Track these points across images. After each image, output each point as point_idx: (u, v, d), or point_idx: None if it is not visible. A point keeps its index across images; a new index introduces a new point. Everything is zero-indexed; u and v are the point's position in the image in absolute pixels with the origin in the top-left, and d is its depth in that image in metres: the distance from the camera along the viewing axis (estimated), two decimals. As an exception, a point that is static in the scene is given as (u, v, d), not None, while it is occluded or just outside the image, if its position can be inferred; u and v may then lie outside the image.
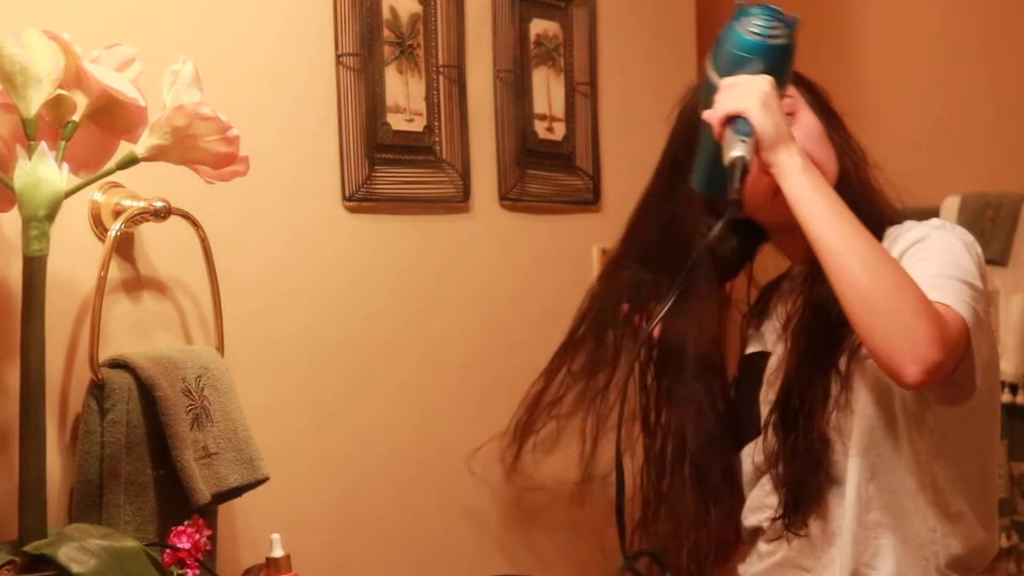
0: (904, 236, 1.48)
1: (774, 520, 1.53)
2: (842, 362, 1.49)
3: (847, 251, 1.33)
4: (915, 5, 2.62)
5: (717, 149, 1.38)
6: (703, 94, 1.44)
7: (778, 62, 1.39)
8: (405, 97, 1.91)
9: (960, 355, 1.37)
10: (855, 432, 1.47)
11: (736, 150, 1.35)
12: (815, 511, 1.51)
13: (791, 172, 1.36)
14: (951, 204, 2.50)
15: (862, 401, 1.48)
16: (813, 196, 1.35)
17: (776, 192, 1.42)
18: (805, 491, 1.50)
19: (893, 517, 1.48)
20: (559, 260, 2.22)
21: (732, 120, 1.36)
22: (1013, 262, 2.43)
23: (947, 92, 2.62)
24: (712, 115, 1.38)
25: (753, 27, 1.38)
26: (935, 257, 1.42)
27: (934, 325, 1.30)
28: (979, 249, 1.48)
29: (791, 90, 1.51)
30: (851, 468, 1.48)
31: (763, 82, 1.36)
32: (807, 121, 1.53)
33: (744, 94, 1.35)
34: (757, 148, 1.35)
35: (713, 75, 1.42)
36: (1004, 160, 2.52)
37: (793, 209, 1.36)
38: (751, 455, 1.57)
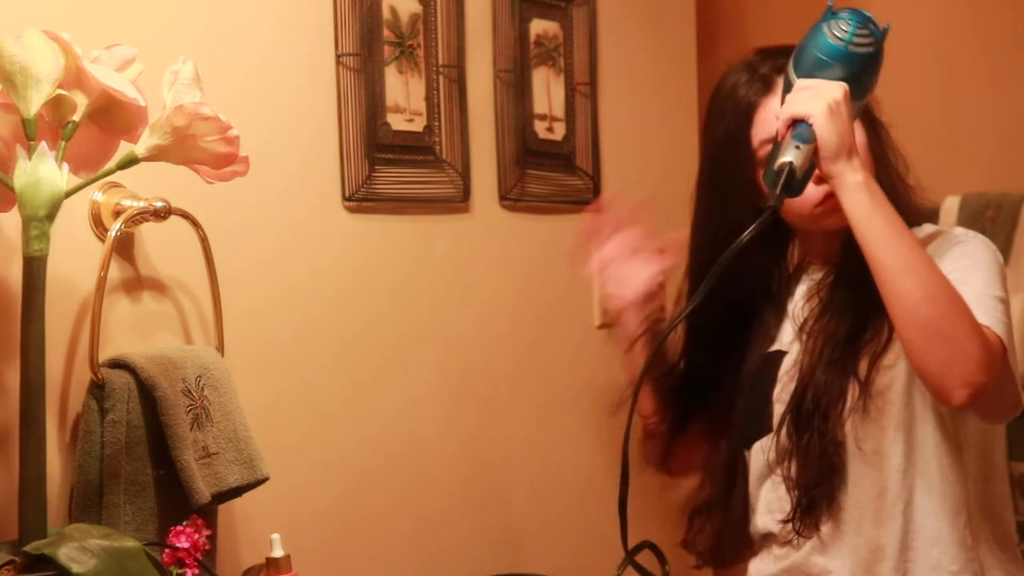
0: (944, 237, 1.48)
1: (785, 522, 1.52)
2: (862, 368, 1.47)
3: (906, 274, 1.32)
4: (915, 6, 2.62)
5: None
6: (783, 90, 1.41)
7: (861, 71, 1.36)
8: (405, 97, 1.91)
9: (999, 375, 1.36)
10: (870, 437, 1.47)
11: (788, 155, 1.32)
12: (827, 513, 1.50)
13: (851, 187, 1.33)
14: (951, 204, 2.50)
15: (881, 408, 1.47)
16: (873, 214, 1.33)
17: (821, 201, 1.42)
18: (817, 493, 1.49)
19: (907, 520, 1.48)
20: (559, 260, 2.22)
21: (796, 124, 1.33)
22: (1013, 262, 2.43)
23: (947, 92, 2.62)
24: (779, 114, 1.35)
25: (839, 31, 1.35)
26: (978, 271, 1.41)
27: (984, 349, 1.31)
28: (1001, 257, 1.49)
29: None
30: (866, 471, 1.48)
31: (836, 89, 1.33)
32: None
33: (813, 99, 1.32)
34: (817, 157, 1.33)
35: (792, 73, 1.39)
36: (1004, 160, 2.52)
37: (852, 225, 1.34)
38: (764, 451, 1.56)
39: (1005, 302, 1.40)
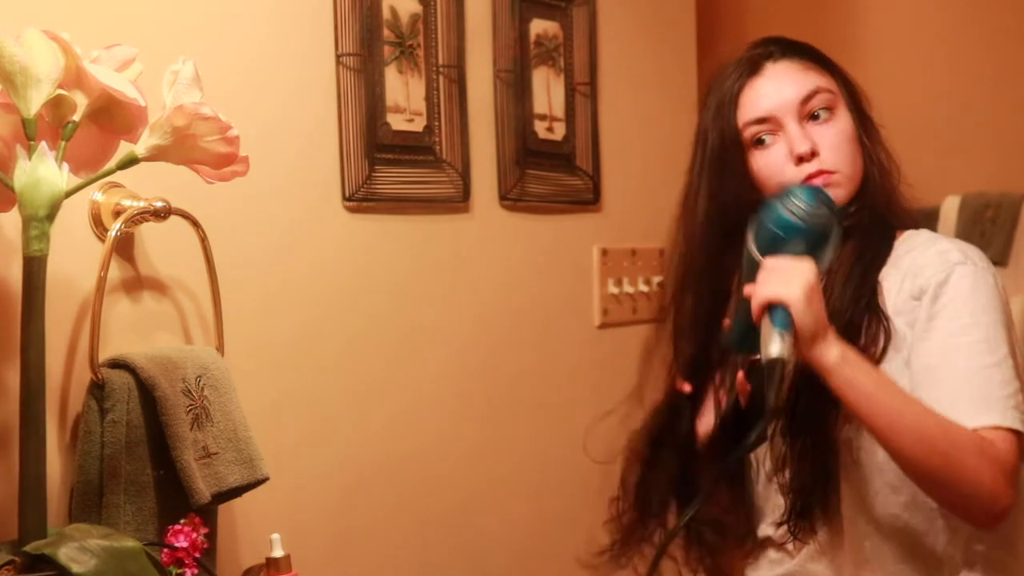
0: (922, 266, 1.44)
1: (779, 525, 1.52)
2: None
3: (898, 434, 1.33)
4: (916, 5, 2.62)
5: (751, 321, 1.34)
6: (745, 266, 1.39)
7: (820, 243, 1.35)
8: (405, 97, 1.91)
9: (1018, 461, 1.37)
10: (864, 445, 1.46)
11: (775, 349, 1.30)
12: (822, 519, 1.49)
13: (831, 368, 1.32)
14: (951, 204, 2.50)
15: None
16: (854, 385, 1.33)
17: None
18: (811, 498, 1.48)
19: (902, 529, 1.47)
20: (559, 260, 2.23)
21: (772, 307, 1.32)
22: (1013, 262, 2.43)
23: (947, 92, 2.62)
24: (754, 297, 1.34)
25: (794, 207, 1.34)
26: (974, 330, 1.39)
27: (996, 471, 1.32)
28: (999, 279, 1.46)
29: (832, 85, 1.49)
30: (860, 478, 1.47)
31: (807, 271, 1.32)
32: (843, 122, 1.49)
33: (787, 283, 1.31)
34: (795, 338, 1.32)
35: (754, 249, 1.37)
36: (1004, 160, 2.52)
37: (839, 395, 1.34)
38: (762, 460, 1.55)
39: (1008, 358, 1.39)
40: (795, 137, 1.47)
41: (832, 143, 1.47)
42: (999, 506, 1.33)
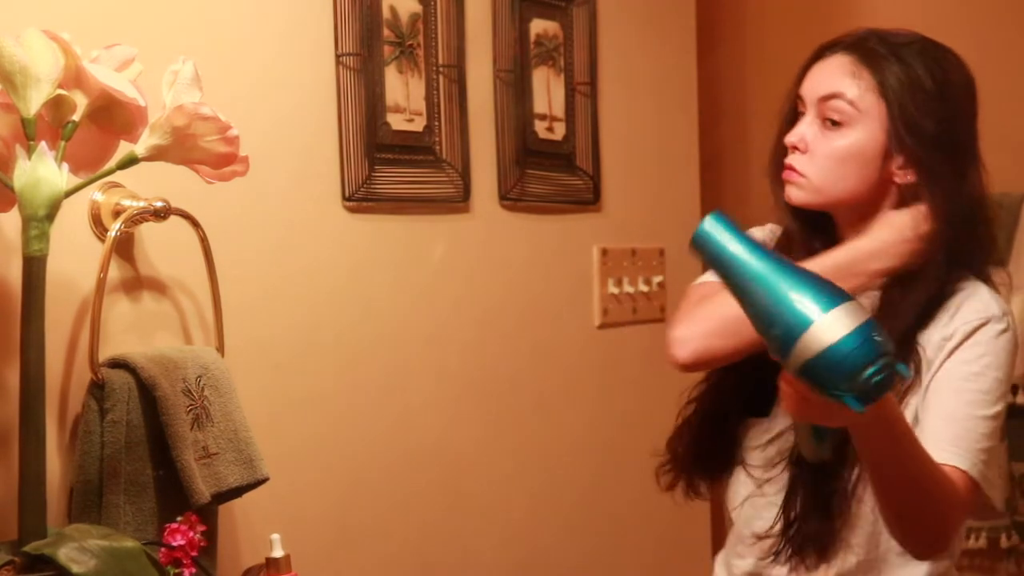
0: (961, 311, 1.44)
1: (760, 538, 1.51)
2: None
3: (895, 477, 1.35)
4: (916, 6, 2.62)
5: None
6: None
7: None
8: (405, 97, 1.91)
9: (971, 507, 1.41)
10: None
11: (809, 454, 1.35)
12: (815, 546, 1.48)
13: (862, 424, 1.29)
14: (951, 204, 2.50)
15: None
16: (874, 438, 1.31)
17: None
18: (809, 525, 1.47)
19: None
20: (559, 260, 2.22)
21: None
22: (1013, 262, 2.43)
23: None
24: (789, 412, 1.29)
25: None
26: (972, 385, 1.41)
27: (958, 514, 1.40)
28: (1020, 342, 1.48)
29: (865, 101, 1.43)
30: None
31: (847, 419, 1.24)
32: (850, 139, 1.44)
33: (828, 418, 1.26)
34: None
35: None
36: (1004, 160, 2.51)
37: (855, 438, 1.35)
38: (762, 439, 1.54)
39: (997, 419, 1.41)
40: (798, 126, 1.48)
41: (821, 152, 1.45)
42: (945, 543, 1.43)
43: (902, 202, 1.46)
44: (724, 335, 1.42)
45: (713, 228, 1.20)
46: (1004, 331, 1.44)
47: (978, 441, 1.40)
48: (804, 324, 1.13)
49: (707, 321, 1.44)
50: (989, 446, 1.41)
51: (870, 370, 1.13)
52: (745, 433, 1.55)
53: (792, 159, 1.47)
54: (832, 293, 1.15)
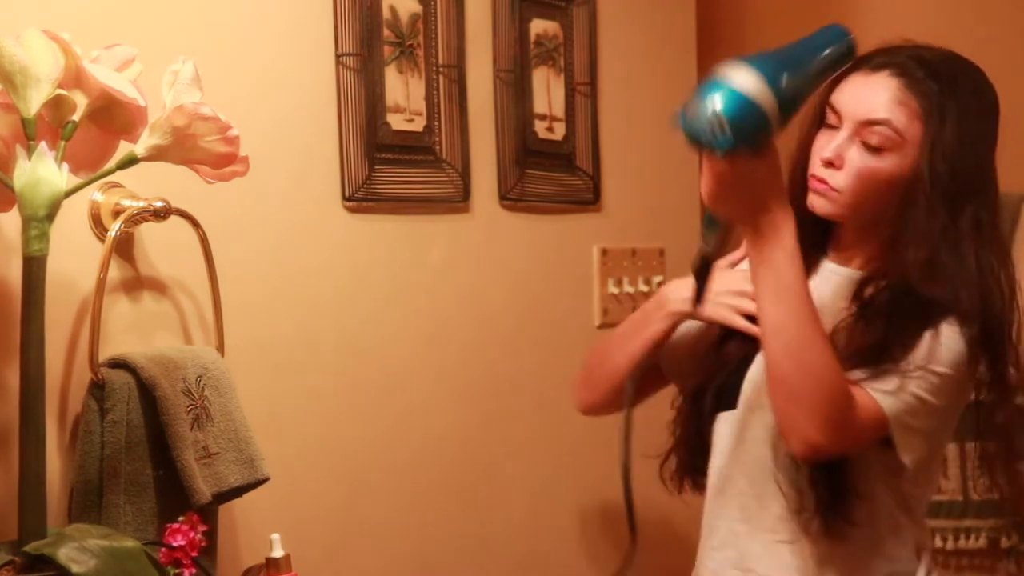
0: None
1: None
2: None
3: (776, 333, 1.36)
4: (916, 6, 2.62)
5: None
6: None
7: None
8: (405, 97, 1.91)
9: (866, 441, 1.41)
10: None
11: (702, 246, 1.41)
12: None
13: (760, 238, 1.35)
14: (951, 204, 2.50)
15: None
16: (773, 268, 1.34)
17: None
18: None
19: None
20: (559, 260, 2.22)
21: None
22: (1013, 262, 2.42)
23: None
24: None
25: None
26: (924, 374, 1.41)
27: (834, 414, 1.34)
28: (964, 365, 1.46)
29: (909, 131, 1.44)
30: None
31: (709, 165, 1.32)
32: (886, 165, 1.45)
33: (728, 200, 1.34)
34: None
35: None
36: (1004, 160, 2.51)
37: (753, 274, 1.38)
38: (728, 424, 1.56)
39: (935, 373, 1.40)
40: (835, 142, 1.46)
41: (859, 173, 1.45)
42: (816, 446, 1.36)
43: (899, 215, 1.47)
44: (587, 386, 1.69)
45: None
46: (961, 333, 1.43)
47: (905, 384, 1.39)
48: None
49: (581, 372, 1.69)
50: (924, 400, 1.40)
51: (719, 105, 1.22)
52: (719, 427, 1.60)
53: (826, 173, 1.47)
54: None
